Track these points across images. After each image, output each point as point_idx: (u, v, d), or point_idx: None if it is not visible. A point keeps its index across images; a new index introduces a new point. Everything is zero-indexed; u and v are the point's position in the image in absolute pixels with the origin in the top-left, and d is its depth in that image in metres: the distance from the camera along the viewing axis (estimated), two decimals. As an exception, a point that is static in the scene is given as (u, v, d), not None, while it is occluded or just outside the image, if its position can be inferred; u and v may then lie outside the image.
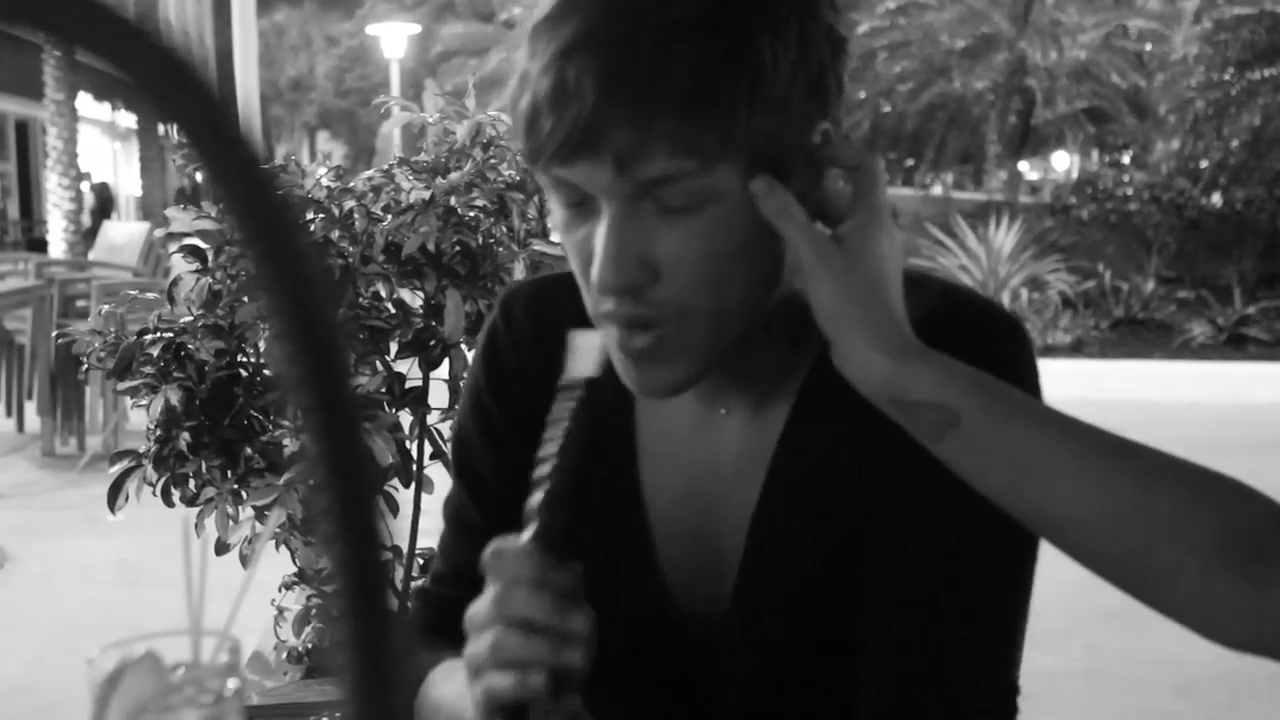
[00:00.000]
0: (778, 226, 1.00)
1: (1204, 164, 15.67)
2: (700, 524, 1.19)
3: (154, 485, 2.23)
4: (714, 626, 1.19)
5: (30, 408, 7.81)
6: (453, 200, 2.27)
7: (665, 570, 1.20)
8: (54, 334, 5.85)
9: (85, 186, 17.07)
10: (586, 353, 1.02)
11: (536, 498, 0.99)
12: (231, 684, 0.84)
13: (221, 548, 2.18)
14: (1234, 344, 12.31)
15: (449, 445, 2.40)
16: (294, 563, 2.39)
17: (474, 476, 1.27)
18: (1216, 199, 15.44)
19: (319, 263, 0.29)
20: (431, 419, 2.36)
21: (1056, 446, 0.97)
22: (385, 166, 2.36)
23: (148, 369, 2.20)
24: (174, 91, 0.28)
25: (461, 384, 2.37)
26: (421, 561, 2.43)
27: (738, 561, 1.17)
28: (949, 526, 1.09)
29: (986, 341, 1.10)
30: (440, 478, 2.44)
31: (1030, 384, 1.10)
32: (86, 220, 17.07)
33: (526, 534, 0.98)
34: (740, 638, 1.18)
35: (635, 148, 0.96)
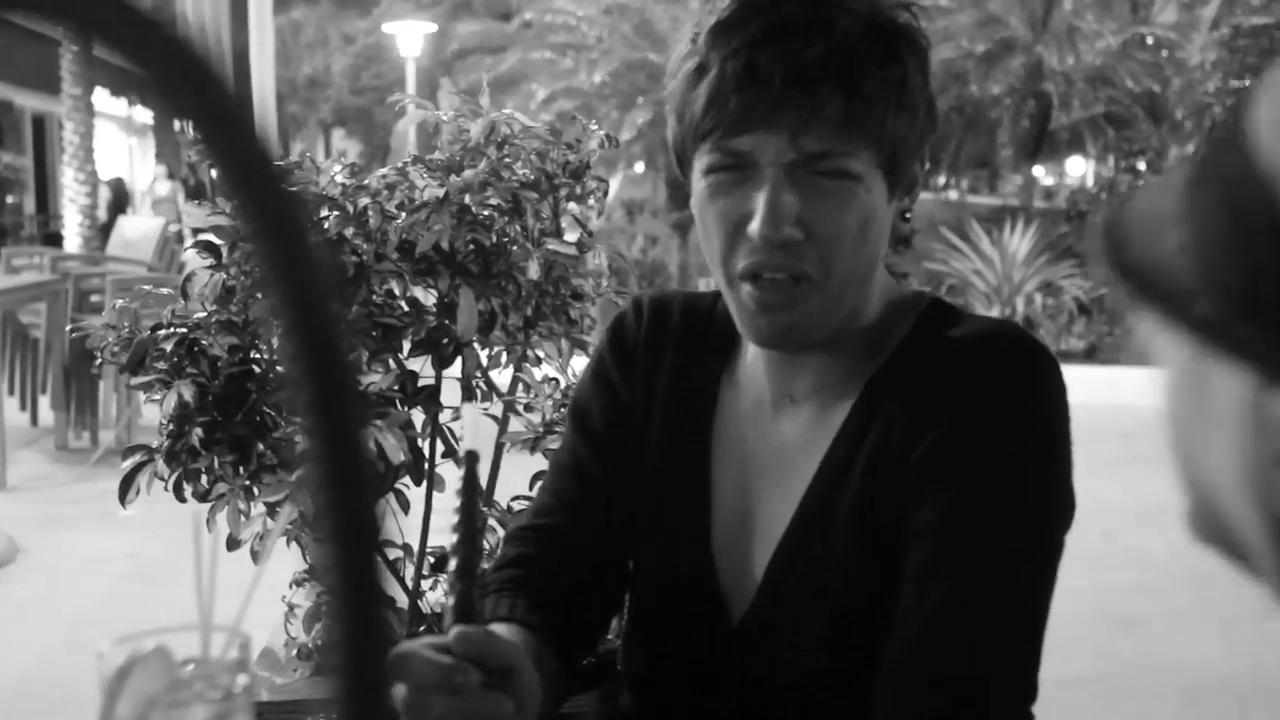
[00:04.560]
0: None
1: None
2: (752, 501, 1.36)
3: (166, 480, 2.23)
4: (747, 606, 1.34)
5: (44, 402, 7.83)
6: (467, 199, 2.26)
7: (716, 544, 1.37)
8: (68, 328, 5.87)
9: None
10: (472, 426, 1.12)
11: (451, 565, 1.10)
12: (241, 680, 0.84)
13: (232, 544, 2.18)
14: (1248, 351, 12.25)
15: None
16: (305, 559, 2.39)
17: (584, 420, 1.49)
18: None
19: (325, 261, 0.29)
20: (444, 417, 2.36)
21: None
22: (400, 164, 2.36)
23: (161, 364, 2.19)
24: (187, 86, 0.28)
25: (474, 384, 2.37)
26: (433, 559, 2.43)
27: (775, 542, 1.32)
28: (984, 517, 1.22)
29: (1016, 368, 1.25)
30: (452, 476, 2.44)
31: (1059, 413, 1.25)
32: (102, 215, 17.09)
33: (447, 605, 1.12)
34: (765, 621, 1.33)
35: (806, 123, 1.19)
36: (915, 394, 1.26)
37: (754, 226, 1.22)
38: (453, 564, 1.08)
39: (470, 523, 1.07)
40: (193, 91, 0.27)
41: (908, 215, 1.33)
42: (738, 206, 1.24)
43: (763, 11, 1.21)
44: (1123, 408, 9.39)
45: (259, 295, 2.17)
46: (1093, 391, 9.35)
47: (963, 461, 1.22)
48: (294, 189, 0.28)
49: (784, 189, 1.21)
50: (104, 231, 15.70)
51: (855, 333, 1.32)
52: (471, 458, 1.09)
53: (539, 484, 1.60)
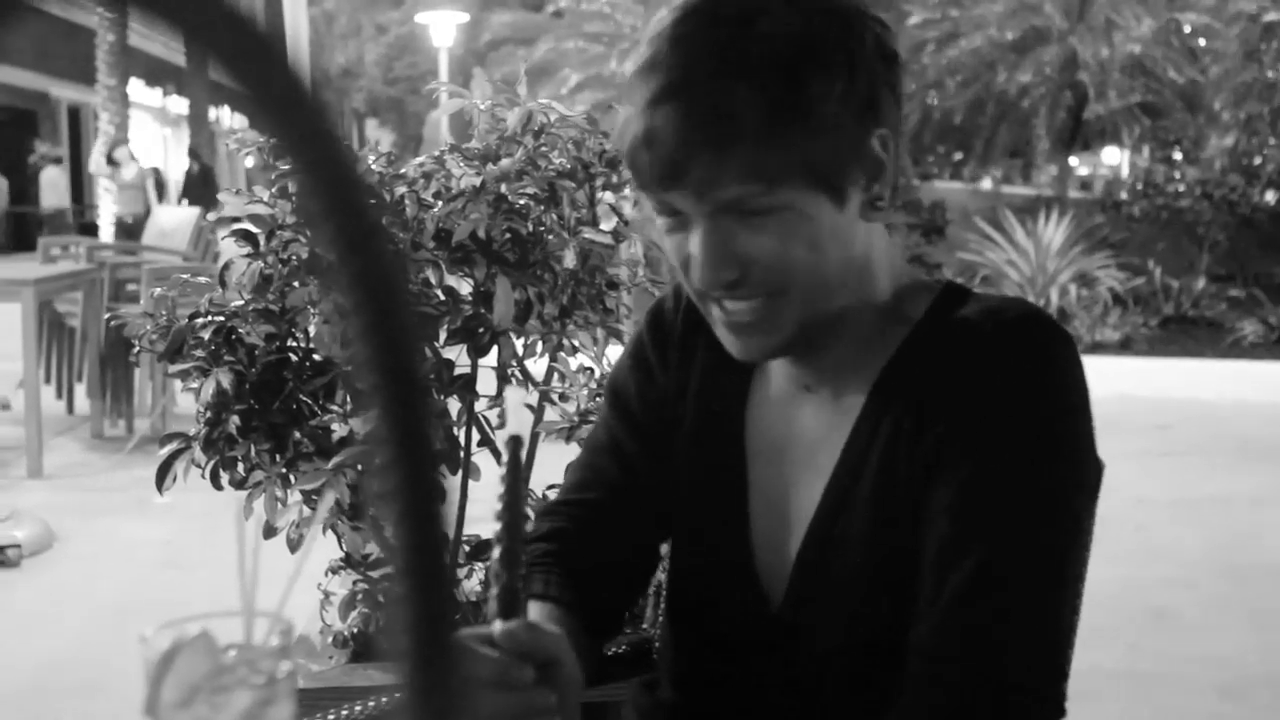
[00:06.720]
0: None
1: (1258, 161, 15.48)
2: (785, 488, 1.38)
3: (203, 468, 2.24)
4: (782, 591, 1.35)
5: (80, 390, 7.88)
6: (503, 188, 2.26)
7: (754, 533, 1.39)
8: (105, 317, 5.89)
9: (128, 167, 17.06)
10: (515, 410, 1.11)
11: (495, 554, 1.09)
12: (284, 665, 0.84)
13: (269, 531, 2.19)
14: (1286, 343, 12.16)
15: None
16: (340, 547, 2.40)
17: (622, 401, 1.51)
18: (1270, 196, 15.24)
19: (392, 239, 0.29)
20: (479, 406, 2.37)
21: None
22: (437, 153, 2.36)
23: (199, 352, 2.21)
24: (253, 63, 0.28)
25: (510, 372, 2.38)
26: (468, 548, 2.44)
27: (805, 528, 1.33)
28: (1001, 493, 1.21)
29: (1024, 341, 1.24)
30: (487, 465, 2.45)
31: (1070, 382, 1.23)
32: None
33: (491, 595, 1.12)
34: (800, 609, 1.33)
35: (711, 179, 1.19)
36: (927, 376, 1.26)
37: (693, 274, 1.26)
38: (496, 553, 1.08)
39: (515, 511, 1.06)
40: (260, 70, 0.27)
41: (880, 204, 1.28)
42: (682, 247, 1.27)
43: (661, 64, 1.20)
44: (1157, 400, 9.34)
45: (296, 284, 2.18)
46: (1127, 383, 9.29)
47: (975, 438, 1.21)
48: (362, 167, 0.27)
49: (710, 237, 1.23)
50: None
51: (864, 320, 1.32)
52: (515, 443, 1.07)
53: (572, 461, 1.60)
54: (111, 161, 16.23)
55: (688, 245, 1.25)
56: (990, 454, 1.21)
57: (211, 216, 2.33)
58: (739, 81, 1.16)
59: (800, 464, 1.37)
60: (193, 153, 20.94)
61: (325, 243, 0.29)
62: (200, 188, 19.07)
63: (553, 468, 2.32)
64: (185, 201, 17.81)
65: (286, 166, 2.18)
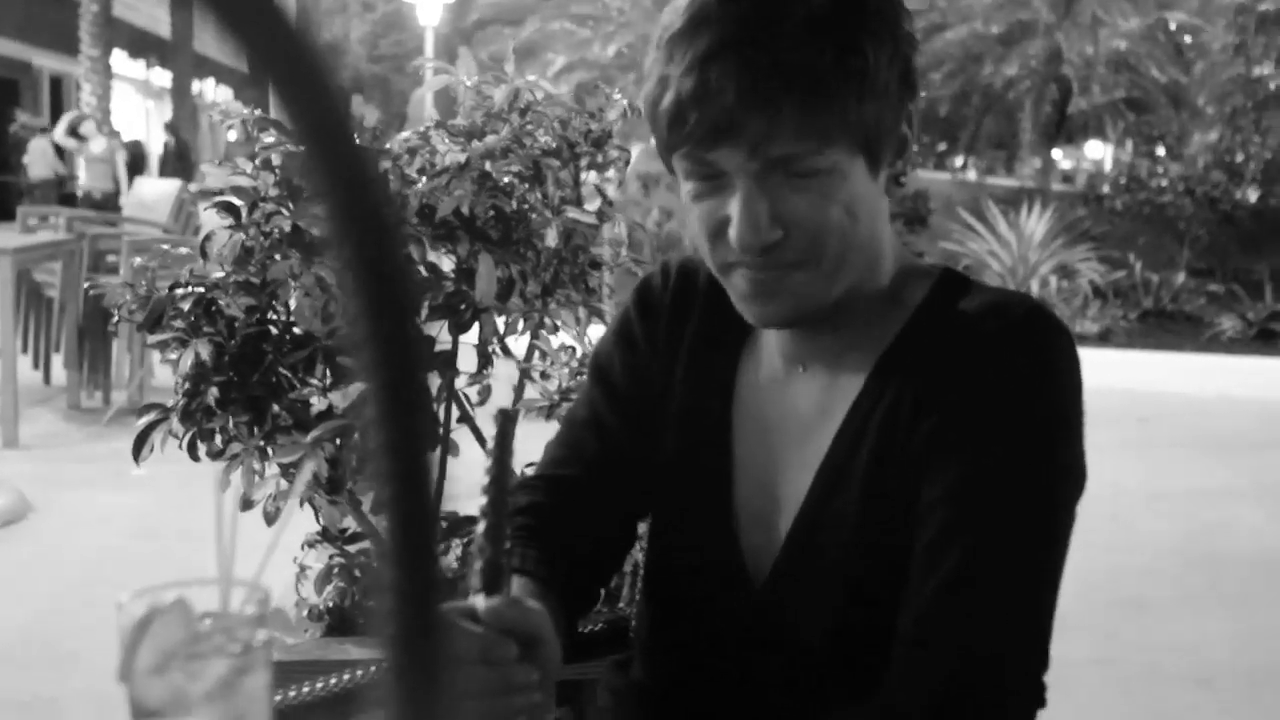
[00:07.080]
0: None
1: (1240, 158, 15.54)
2: (774, 468, 1.37)
3: (180, 439, 2.23)
4: (767, 571, 1.35)
5: (57, 360, 7.85)
6: (488, 165, 2.25)
7: (738, 513, 1.38)
8: (85, 287, 5.87)
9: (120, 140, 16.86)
10: (503, 384, 1.10)
11: (480, 528, 1.09)
12: (260, 634, 0.84)
13: (246, 504, 2.18)
14: (1263, 339, 12.22)
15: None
16: (317, 521, 2.39)
17: (606, 376, 1.51)
18: (1252, 194, 15.31)
19: (389, 197, 0.29)
20: (459, 383, 2.36)
21: None
22: (422, 129, 2.35)
23: (178, 323, 2.19)
24: (264, 35, 0.27)
25: (490, 350, 2.37)
26: (445, 524, 2.43)
27: (796, 508, 1.33)
28: (994, 486, 1.22)
29: (1026, 338, 1.25)
30: (467, 442, 2.44)
31: (1069, 382, 1.25)
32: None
33: (474, 569, 1.12)
34: (784, 589, 1.34)
35: (767, 133, 1.18)
36: (927, 366, 1.27)
37: (732, 234, 1.24)
38: (481, 527, 1.07)
39: (500, 486, 1.05)
40: (269, 39, 0.27)
41: (902, 180, 1.32)
42: (716, 210, 1.25)
43: (711, 21, 1.19)
44: (1136, 392, 9.37)
45: (277, 256, 2.17)
46: (1106, 376, 9.31)
47: (973, 432, 1.22)
48: (366, 144, 0.27)
49: (755, 197, 1.21)
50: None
51: (866, 301, 1.32)
52: (504, 417, 1.06)
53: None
54: (77, 135, 16.09)
55: (724, 208, 1.24)
56: (983, 446, 1.22)
57: (194, 188, 2.32)
58: (799, 38, 1.17)
59: (791, 444, 1.36)
60: (170, 128, 20.81)
61: (322, 204, 0.28)
62: (176, 163, 18.99)
63: (531, 445, 2.32)
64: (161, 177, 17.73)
65: (272, 139, 2.17)
